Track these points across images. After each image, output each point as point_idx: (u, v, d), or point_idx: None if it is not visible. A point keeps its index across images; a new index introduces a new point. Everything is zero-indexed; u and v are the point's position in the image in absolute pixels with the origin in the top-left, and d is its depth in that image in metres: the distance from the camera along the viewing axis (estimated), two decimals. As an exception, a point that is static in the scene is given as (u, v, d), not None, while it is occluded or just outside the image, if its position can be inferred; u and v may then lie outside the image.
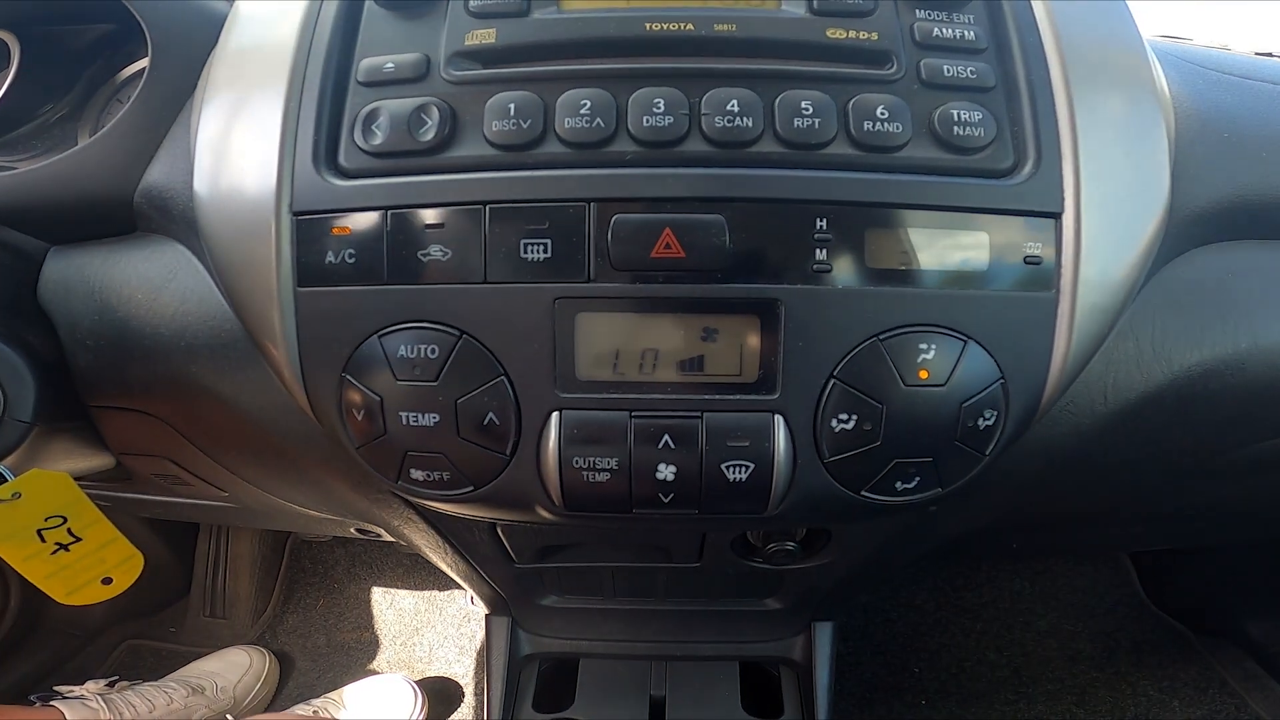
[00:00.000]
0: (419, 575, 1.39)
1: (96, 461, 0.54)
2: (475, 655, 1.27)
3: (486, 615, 0.77)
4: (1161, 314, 0.41)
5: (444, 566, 0.68)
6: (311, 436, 0.42)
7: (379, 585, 1.39)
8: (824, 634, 0.76)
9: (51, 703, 0.98)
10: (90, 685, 1.03)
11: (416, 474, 0.36)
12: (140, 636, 1.33)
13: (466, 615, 1.33)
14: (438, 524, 0.53)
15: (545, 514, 0.38)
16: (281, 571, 1.41)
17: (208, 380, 0.43)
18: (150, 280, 0.44)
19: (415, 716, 1.11)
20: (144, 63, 0.61)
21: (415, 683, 1.16)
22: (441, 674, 1.26)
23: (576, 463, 0.35)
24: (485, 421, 0.35)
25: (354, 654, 1.31)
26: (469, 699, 1.21)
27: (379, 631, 1.34)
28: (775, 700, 0.76)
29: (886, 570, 0.75)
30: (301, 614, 1.37)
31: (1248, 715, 1.13)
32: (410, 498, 0.40)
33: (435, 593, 1.37)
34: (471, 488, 0.36)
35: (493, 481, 0.36)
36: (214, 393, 0.43)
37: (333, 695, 1.14)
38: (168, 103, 0.46)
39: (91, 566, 0.41)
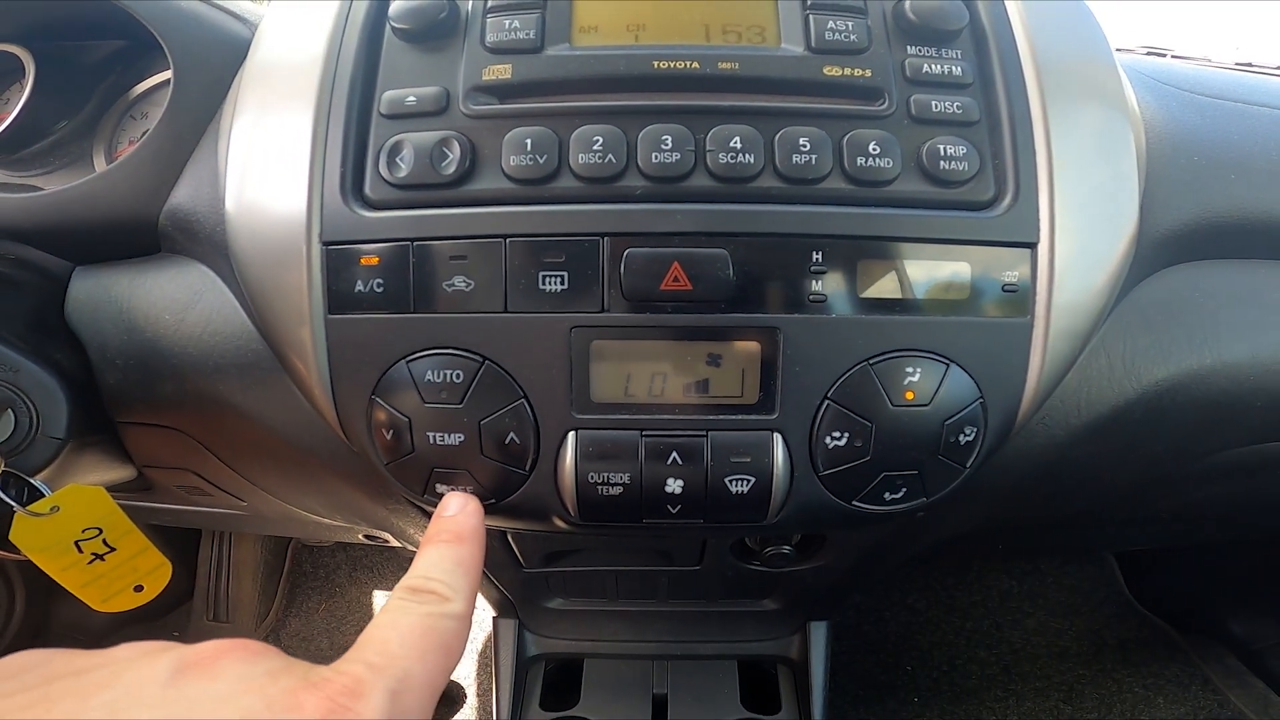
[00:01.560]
0: None
1: (120, 473, 0.56)
2: (477, 657, 1.28)
3: (494, 618, 0.78)
4: (1132, 332, 0.44)
5: None
6: (335, 451, 0.44)
7: (381, 589, 1.40)
8: (819, 633, 0.78)
9: None
10: None
11: (442, 488, 0.38)
12: (143, 640, 1.35)
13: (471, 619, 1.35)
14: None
15: (561, 524, 0.40)
16: (284, 576, 1.42)
17: (234, 398, 0.45)
18: (176, 301, 0.46)
19: None
20: (158, 79, 0.63)
21: None
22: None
23: (591, 478, 0.37)
24: (507, 441, 0.37)
25: (356, 657, 1.33)
26: (472, 700, 1.22)
27: (381, 635, 1.36)
28: (773, 697, 0.78)
29: (878, 572, 0.77)
30: (304, 618, 1.38)
31: (1230, 712, 1.16)
32: (432, 510, 0.42)
33: None
34: (493, 500, 0.39)
35: (513, 495, 0.38)
36: (240, 409, 0.45)
37: None
38: (191, 126, 0.47)
39: (125, 575, 0.43)
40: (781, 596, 0.73)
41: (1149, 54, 1.17)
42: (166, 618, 1.37)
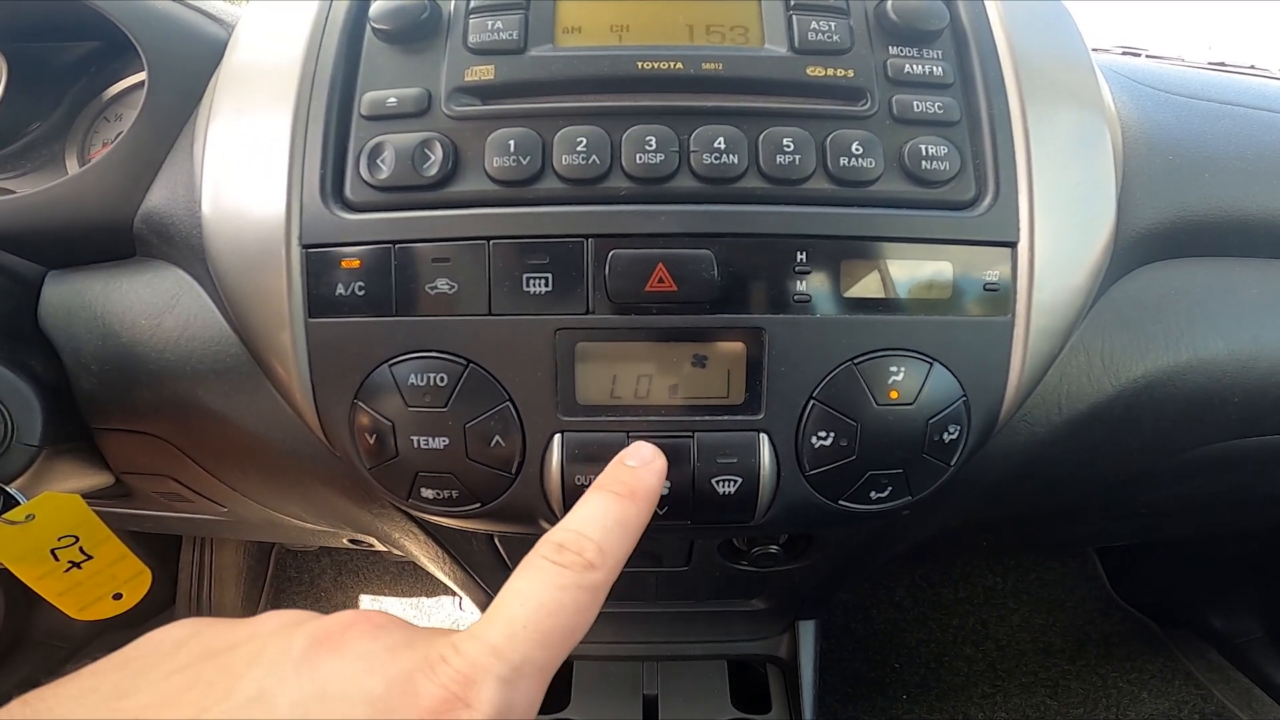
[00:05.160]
0: (405, 583, 1.40)
1: (97, 480, 0.55)
2: None
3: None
4: (1110, 330, 0.45)
5: (440, 574, 0.69)
6: (317, 455, 0.43)
7: (366, 594, 1.39)
8: (807, 632, 0.78)
9: None
10: None
11: (426, 493, 0.38)
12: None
13: (456, 622, 1.34)
14: (437, 535, 0.55)
15: (547, 526, 0.40)
16: (267, 581, 1.41)
17: (213, 403, 0.44)
18: (152, 306, 0.45)
19: None
20: (131, 80, 0.62)
21: None
22: None
23: (578, 480, 0.37)
24: (492, 444, 0.37)
25: (344, 662, 1.32)
26: None
27: (368, 639, 1.35)
28: (763, 696, 0.78)
29: (865, 570, 0.78)
30: (289, 624, 1.38)
31: (1212, 706, 1.17)
32: (417, 514, 0.42)
33: (423, 599, 1.38)
34: (479, 504, 0.38)
35: (499, 498, 0.38)
36: (219, 415, 0.45)
37: None
38: (165, 129, 0.47)
39: (104, 583, 0.43)
40: (769, 596, 0.73)
41: (1125, 53, 1.19)
42: (148, 624, 1.35)
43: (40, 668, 1.25)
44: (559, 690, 0.77)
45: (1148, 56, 1.22)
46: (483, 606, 0.77)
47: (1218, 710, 1.16)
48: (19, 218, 0.46)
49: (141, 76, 0.60)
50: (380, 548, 0.80)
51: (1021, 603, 1.32)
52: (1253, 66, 1.18)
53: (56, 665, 1.27)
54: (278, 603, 1.39)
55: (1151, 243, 0.47)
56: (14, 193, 0.62)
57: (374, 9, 0.39)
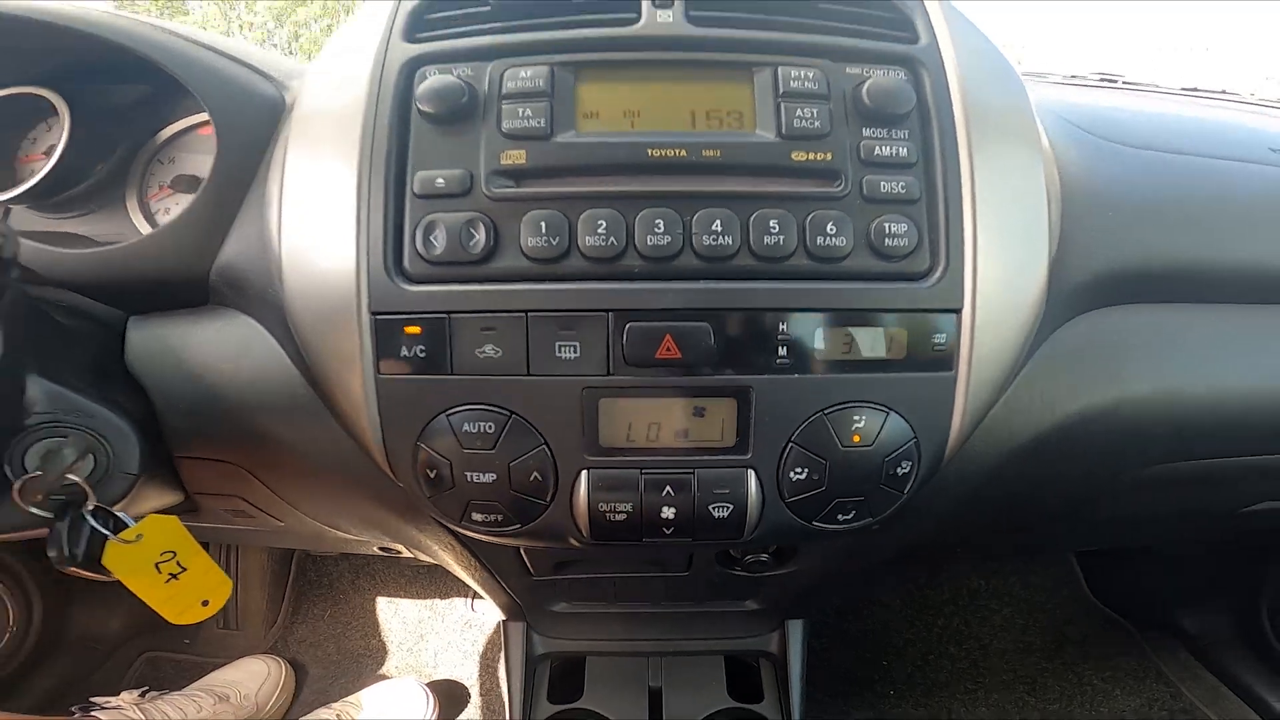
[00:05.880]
0: (420, 585, 1.47)
1: (172, 499, 0.62)
2: (479, 659, 1.36)
3: (504, 621, 0.86)
4: (1051, 372, 0.52)
5: (467, 578, 0.77)
6: (377, 482, 0.50)
7: (383, 595, 1.46)
8: (795, 630, 0.87)
9: (91, 713, 1.04)
10: (125, 696, 1.09)
11: (477, 516, 0.46)
12: (157, 649, 1.39)
13: (468, 622, 1.42)
14: (471, 546, 0.63)
15: (575, 543, 0.47)
16: (289, 584, 1.48)
17: (285, 436, 0.52)
18: (229, 351, 0.52)
19: (429, 716, 1.19)
20: (183, 124, 0.66)
21: (426, 685, 1.24)
22: (448, 677, 1.34)
23: (601, 507, 0.45)
24: (531, 478, 0.44)
25: (364, 661, 1.38)
26: (475, 699, 1.30)
27: (386, 639, 1.41)
28: (756, 688, 0.86)
29: (848, 576, 0.85)
30: (310, 624, 1.44)
31: (1181, 704, 1.24)
32: (465, 532, 0.49)
33: (437, 601, 1.45)
34: (519, 525, 0.46)
35: (536, 521, 0.46)
36: (290, 446, 0.52)
37: (350, 699, 1.21)
38: (234, 190, 0.53)
39: (195, 591, 0.50)
40: (762, 598, 0.80)
41: (1102, 80, 1.25)
42: (178, 626, 1.42)
43: (78, 668, 1.32)
44: (573, 683, 0.84)
45: (1124, 84, 1.28)
46: (506, 608, 0.84)
47: (1186, 708, 1.23)
48: (103, 269, 0.52)
49: (192, 120, 0.65)
50: (406, 554, 0.88)
51: (1003, 604, 1.39)
52: (1224, 91, 1.24)
53: (94, 666, 1.34)
54: (299, 604, 1.46)
55: (1091, 293, 0.53)
56: (83, 235, 0.68)
57: (420, 92, 0.44)
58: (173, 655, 1.39)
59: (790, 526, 0.47)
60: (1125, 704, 1.25)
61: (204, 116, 0.64)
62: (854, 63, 0.47)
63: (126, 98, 0.66)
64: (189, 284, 0.53)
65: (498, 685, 1.29)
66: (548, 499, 0.45)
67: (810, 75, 0.45)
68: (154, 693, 1.15)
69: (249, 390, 0.51)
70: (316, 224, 0.46)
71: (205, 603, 0.51)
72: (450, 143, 0.45)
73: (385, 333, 0.43)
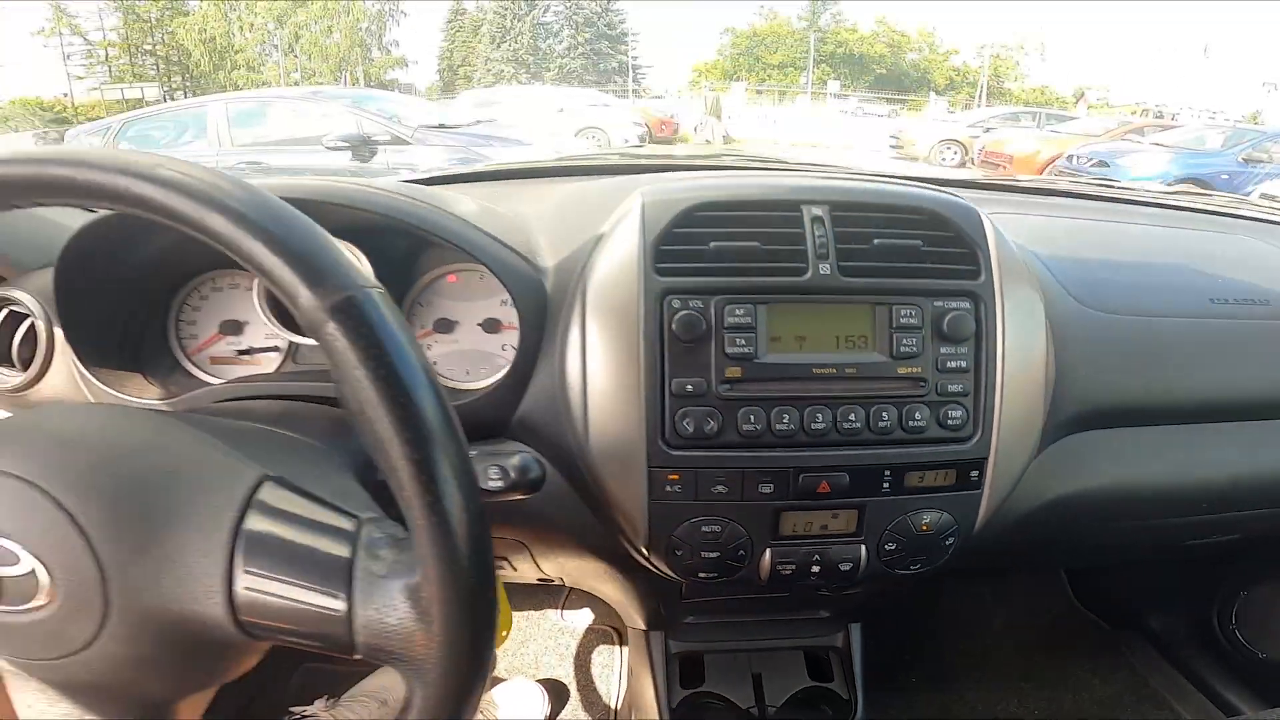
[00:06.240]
0: (518, 599, 1.62)
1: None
2: (573, 660, 1.54)
3: (644, 631, 1.17)
4: (1039, 475, 0.82)
5: (625, 601, 1.09)
6: (626, 558, 0.82)
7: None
8: (855, 631, 1.18)
9: None
10: (319, 704, 1.19)
11: (702, 575, 0.77)
12: (313, 659, 1.42)
13: (561, 629, 1.59)
14: (656, 587, 0.95)
15: (758, 584, 0.79)
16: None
17: (562, 524, 0.83)
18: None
19: (546, 711, 1.37)
20: (435, 275, 0.81)
21: (537, 682, 1.41)
22: (549, 677, 1.51)
23: (777, 566, 0.77)
24: (738, 554, 0.76)
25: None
26: (575, 696, 1.48)
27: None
28: (829, 673, 1.18)
29: (894, 595, 1.15)
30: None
31: (1148, 691, 1.46)
32: (680, 579, 0.80)
33: (531, 612, 1.62)
34: (724, 579, 0.77)
35: (735, 575, 0.77)
36: (563, 528, 0.83)
37: (485, 697, 1.33)
38: (528, 361, 0.72)
39: (501, 623, 0.81)
40: (832, 609, 1.13)
41: (1101, 183, 1.48)
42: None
43: (257, 680, 1.28)
44: (695, 674, 1.15)
45: (1119, 188, 1.55)
46: (647, 620, 1.13)
47: (1151, 695, 1.47)
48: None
49: (439, 271, 0.80)
50: (556, 582, 1.14)
51: (1003, 608, 1.67)
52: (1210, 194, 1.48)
53: (262, 674, 1.44)
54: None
55: (1067, 427, 0.84)
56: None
57: (675, 324, 0.67)
58: (327, 665, 1.43)
59: (882, 574, 0.79)
60: (1102, 692, 1.47)
61: (450, 268, 0.81)
62: (938, 298, 0.72)
63: (398, 249, 0.80)
64: (494, 426, 0.75)
65: (592, 681, 1.50)
66: (745, 564, 0.77)
67: (910, 312, 0.71)
68: (331, 700, 1.24)
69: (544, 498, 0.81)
70: (614, 408, 0.69)
71: (502, 631, 0.81)
72: (692, 358, 0.69)
73: (657, 478, 0.73)
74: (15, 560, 0.40)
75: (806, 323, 0.72)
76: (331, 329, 0.36)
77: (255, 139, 6.54)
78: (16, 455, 0.41)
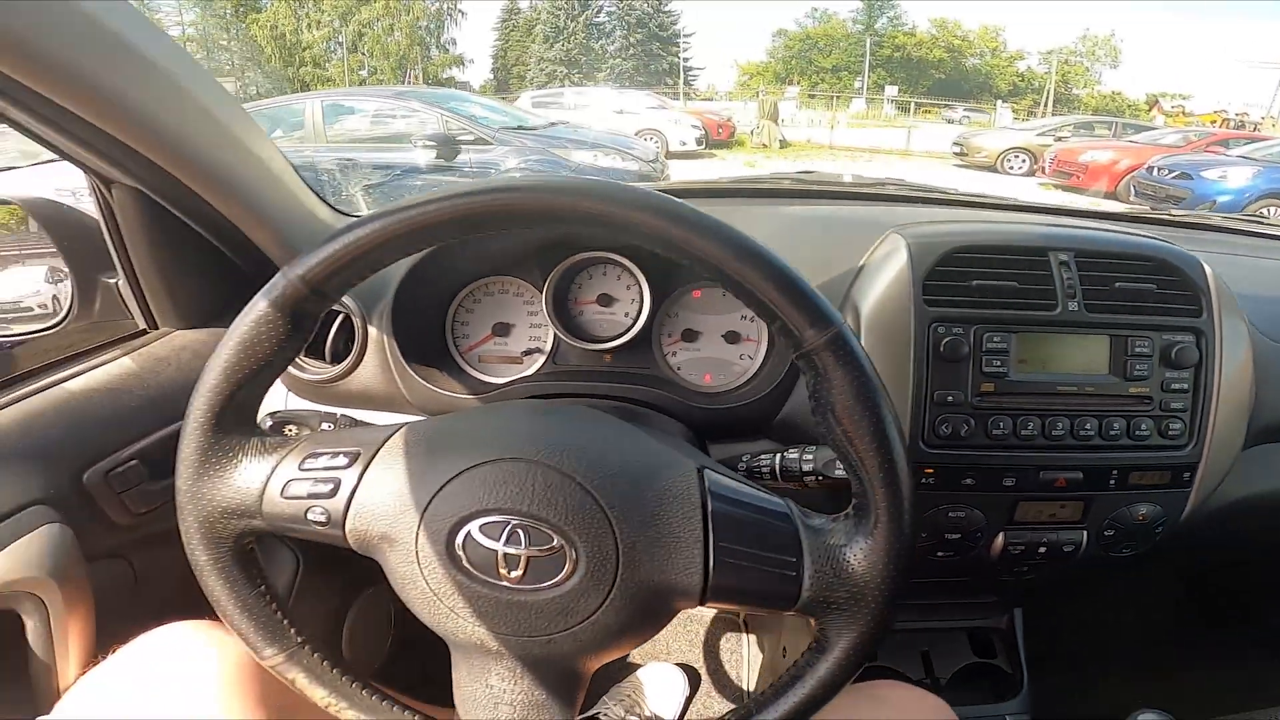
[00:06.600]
0: None
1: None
2: (701, 645, 1.62)
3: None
4: (1242, 472, 0.92)
5: None
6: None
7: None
8: (1019, 614, 1.29)
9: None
10: (613, 708, 1.32)
11: (939, 553, 0.94)
12: None
13: (689, 616, 1.65)
14: None
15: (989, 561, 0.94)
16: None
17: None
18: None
19: (686, 691, 1.46)
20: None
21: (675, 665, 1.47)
22: (681, 661, 1.57)
23: (1009, 547, 0.93)
24: (976, 533, 0.90)
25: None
26: (705, 678, 1.55)
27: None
28: (992, 652, 1.30)
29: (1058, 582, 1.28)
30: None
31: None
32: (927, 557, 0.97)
33: None
34: (958, 556, 0.94)
35: (969, 553, 0.94)
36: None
37: (629, 681, 1.43)
38: (793, 372, 0.87)
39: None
40: (1001, 594, 1.26)
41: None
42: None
43: (426, 665, 1.14)
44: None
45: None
46: None
47: None
48: (724, 409, 1.00)
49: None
50: None
51: (1135, 603, 1.71)
52: None
53: (441, 663, 1.33)
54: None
55: (1266, 435, 0.97)
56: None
57: (944, 346, 0.79)
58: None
59: (1099, 558, 0.95)
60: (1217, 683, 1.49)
61: (696, 284, 0.90)
62: (1166, 331, 0.84)
63: (659, 267, 0.91)
64: (761, 423, 0.88)
65: (722, 666, 1.56)
66: (980, 544, 0.93)
67: (1144, 344, 0.83)
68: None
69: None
70: None
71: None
72: (952, 374, 0.82)
73: (914, 469, 0.89)
74: (547, 540, 0.46)
75: (1050, 349, 0.85)
76: (828, 358, 0.48)
77: (348, 135, 6.91)
78: (541, 447, 0.48)
